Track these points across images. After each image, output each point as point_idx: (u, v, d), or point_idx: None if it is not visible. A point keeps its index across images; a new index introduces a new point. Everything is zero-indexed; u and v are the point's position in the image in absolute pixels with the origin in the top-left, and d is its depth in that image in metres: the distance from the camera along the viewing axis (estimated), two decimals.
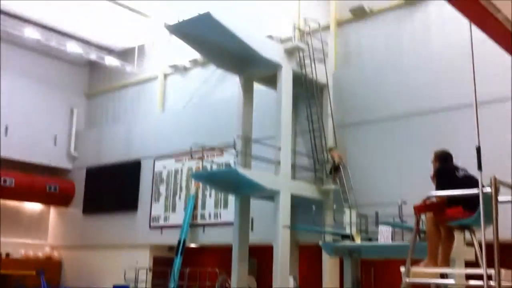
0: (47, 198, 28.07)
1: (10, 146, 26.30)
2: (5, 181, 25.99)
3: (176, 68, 26.32)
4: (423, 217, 5.98)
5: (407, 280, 5.03)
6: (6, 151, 26.16)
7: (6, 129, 26.58)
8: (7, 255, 26.21)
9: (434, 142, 14.53)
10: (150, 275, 22.81)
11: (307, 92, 18.78)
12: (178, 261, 21.89)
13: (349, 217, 15.76)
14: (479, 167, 4.01)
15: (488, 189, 4.05)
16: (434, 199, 5.25)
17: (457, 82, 15.91)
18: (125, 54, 28.59)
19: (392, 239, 14.51)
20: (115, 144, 27.36)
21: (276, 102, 18.23)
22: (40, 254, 27.71)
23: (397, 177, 17.34)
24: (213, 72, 23.78)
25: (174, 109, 25.89)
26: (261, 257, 21.08)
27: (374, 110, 18.58)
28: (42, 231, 29.03)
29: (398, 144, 17.78)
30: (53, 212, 29.51)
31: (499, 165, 10.83)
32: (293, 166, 18.87)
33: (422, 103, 17.35)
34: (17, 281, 24.38)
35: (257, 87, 19.88)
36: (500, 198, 4.05)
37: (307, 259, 20.11)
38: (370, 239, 15.82)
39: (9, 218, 27.40)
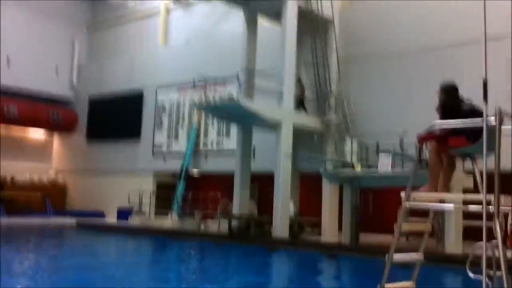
0: (50, 126, 28.43)
1: (13, 76, 26.30)
2: (8, 108, 26.19)
3: (179, 3, 25.85)
4: (425, 146, 6.22)
5: (407, 204, 5.19)
6: (9, 80, 26.19)
7: (8, 59, 26.47)
8: (12, 179, 26.78)
9: (438, 77, 14.61)
10: (153, 198, 23.48)
11: (312, 26, 18.64)
12: (181, 185, 22.49)
13: (350, 146, 16.10)
14: (485, 98, 4.16)
15: (492, 120, 4.23)
16: (437, 129, 5.41)
17: (463, 18, 15.84)
18: None
19: (392, 167, 14.93)
20: (117, 76, 27.34)
21: (280, 35, 18.12)
22: (45, 178, 28.30)
23: (400, 108, 17.59)
24: (216, 6, 23.36)
25: (177, 44, 25.69)
26: (262, 184, 21.64)
27: (379, 44, 18.57)
28: (47, 157, 29.58)
29: (402, 77, 17.91)
30: (56, 139, 29.93)
31: (500, 101, 11.02)
32: (296, 98, 19.03)
33: (427, 39, 17.32)
34: (22, 204, 25.00)
35: (261, 24, 19.73)
36: (503, 129, 4.23)
37: (308, 187, 20.66)
38: (370, 168, 16.26)
39: (14, 144, 27.85)
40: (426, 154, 7.36)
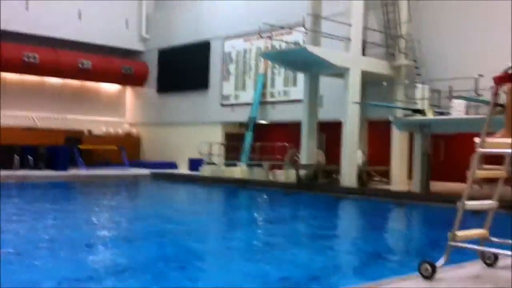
0: (123, 79, 29.20)
1: (84, 31, 27.07)
2: (82, 63, 27.07)
3: None
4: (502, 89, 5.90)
5: (481, 150, 5.00)
6: (81, 35, 27.00)
7: (80, 13, 27.19)
8: (90, 132, 27.98)
9: None
10: (223, 149, 23.90)
11: None
12: (249, 136, 22.73)
13: (421, 92, 15.57)
14: None
15: None
16: None
17: None
18: None
19: (465, 113, 14.36)
20: (184, 26, 27.50)
21: None
22: (120, 131, 29.39)
23: (475, 51, 16.68)
24: None
25: None
26: (330, 133, 21.47)
27: None
28: (120, 110, 30.60)
29: (477, 18, 16.89)
30: (129, 92, 30.81)
31: None
32: (364, 43, 18.51)
33: None
34: (100, 155, 26.17)
35: None
36: None
37: (377, 135, 20.32)
38: (442, 114, 15.72)
39: (89, 98, 29.00)
40: (503, 98, 6.97)
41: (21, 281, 5.48)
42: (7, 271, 5.69)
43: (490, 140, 5.11)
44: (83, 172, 22.36)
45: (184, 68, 27.02)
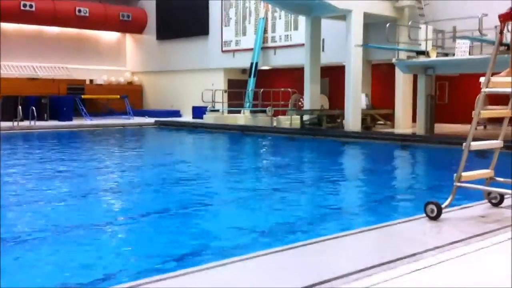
0: (121, 27, 28.78)
1: None
2: (79, 10, 26.63)
3: None
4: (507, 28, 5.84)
5: (486, 90, 4.98)
6: None
7: None
8: (91, 81, 27.86)
9: None
10: (225, 96, 23.85)
11: None
12: (251, 82, 22.65)
13: (424, 33, 15.37)
14: None
15: None
16: None
17: None
18: None
19: (469, 53, 14.23)
20: None
21: None
22: (121, 79, 29.24)
23: None
24: None
25: None
26: (333, 77, 21.39)
27: None
28: (121, 58, 30.34)
29: None
30: (129, 39, 30.44)
31: None
32: None
33: None
34: (103, 104, 26.19)
35: None
36: None
37: (380, 78, 20.23)
38: (446, 55, 15.58)
39: (89, 47, 28.71)
40: (508, 37, 6.93)
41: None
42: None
43: (495, 79, 5.10)
44: (87, 122, 22.44)
45: (183, 14, 26.60)
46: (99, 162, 11.90)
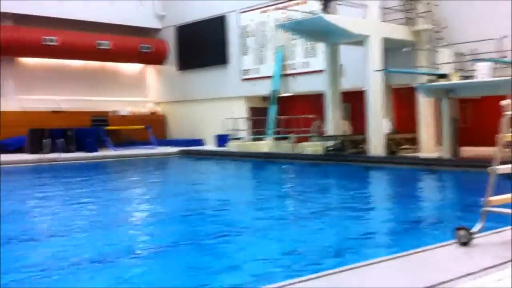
0: (142, 58, 29.30)
1: (100, 10, 27.17)
2: (100, 44, 27.21)
3: None
4: None
5: (509, 113, 5.00)
6: (97, 15, 27.13)
7: None
8: (115, 112, 28.27)
9: None
10: (248, 123, 24.06)
11: None
12: (273, 109, 22.84)
13: (444, 57, 15.43)
14: None
15: None
16: None
17: None
18: None
19: (490, 75, 14.23)
20: (200, 1, 27.39)
21: None
22: (144, 110, 29.67)
23: (494, 11, 16.39)
24: None
25: None
26: (354, 102, 21.44)
27: None
28: (143, 89, 30.84)
29: None
30: (150, 70, 30.99)
31: None
32: (382, 9, 18.32)
33: None
34: (127, 135, 26.60)
35: None
36: None
37: (401, 102, 20.23)
38: (467, 77, 15.59)
39: (111, 79, 29.27)
40: None
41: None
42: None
43: None
44: (112, 152, 22.79)
45: (202, 44, 27.05)
46: (127, 192, 12.10)
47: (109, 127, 25.63)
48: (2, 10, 23.89)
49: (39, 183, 14.15)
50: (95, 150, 23.00)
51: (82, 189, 12.41)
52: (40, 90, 26.52)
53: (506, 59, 13.61)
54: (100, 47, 27.20)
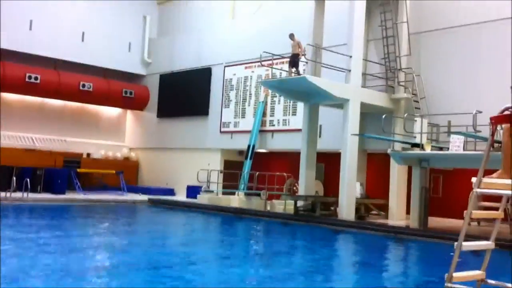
0: (123, 103, 29.25)
1: (87, 52, 27.31)
2: (83, 85, 27.11)
3: None
4: (499, 128, 5.90)
5: (478, 190, 4.95)
6: (83, 57, 27.24)
7: (83, 35, 27.44)
8: (88, 155, 27.92)
9: None
10: (221, 176, 23.85)
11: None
12: (247, 164, 22.71)
13: (419, 126, 15.60)
14: None
15: None
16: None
17: None
18: None
19: (463, 148, 14.37)
20: (186, 51, 27.75)
21: (348, 9, 17.71)
22: (119, 155, 29.33)
23: (473, 86, 16.83)
24: None
25: (245, 17, 25.70)
26: (328, 163, 21.48)
27: (451, 17, 17.76)
28: (120, 133, 30.60)
29: (475, 53, 17.07)
30: (129, 115, 30.86)
31: None
32: (364, 75, 18.68)
33: (503, 10, 16.36)
34: (98, 179, 26.13)
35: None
36: None
37: (375, 167, 20.30)
38: (441, 149, 15.73)
39: (89, 121, 29.04)
40: (500, 135, 6.93)
41: None
42: None
43: (487, 180, 5.08)
44: (80, 196, 22.27)
45: (185, 94, 27.14)
46: (86, 238, 11.65)
47: (80, 170, 25.18)
48: None
49: None
50: (63, 192, 22.44)
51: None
52: (17, 127, 26.05)
53: (480, 135, 13.78)
54: (83, 89, 27.10)
